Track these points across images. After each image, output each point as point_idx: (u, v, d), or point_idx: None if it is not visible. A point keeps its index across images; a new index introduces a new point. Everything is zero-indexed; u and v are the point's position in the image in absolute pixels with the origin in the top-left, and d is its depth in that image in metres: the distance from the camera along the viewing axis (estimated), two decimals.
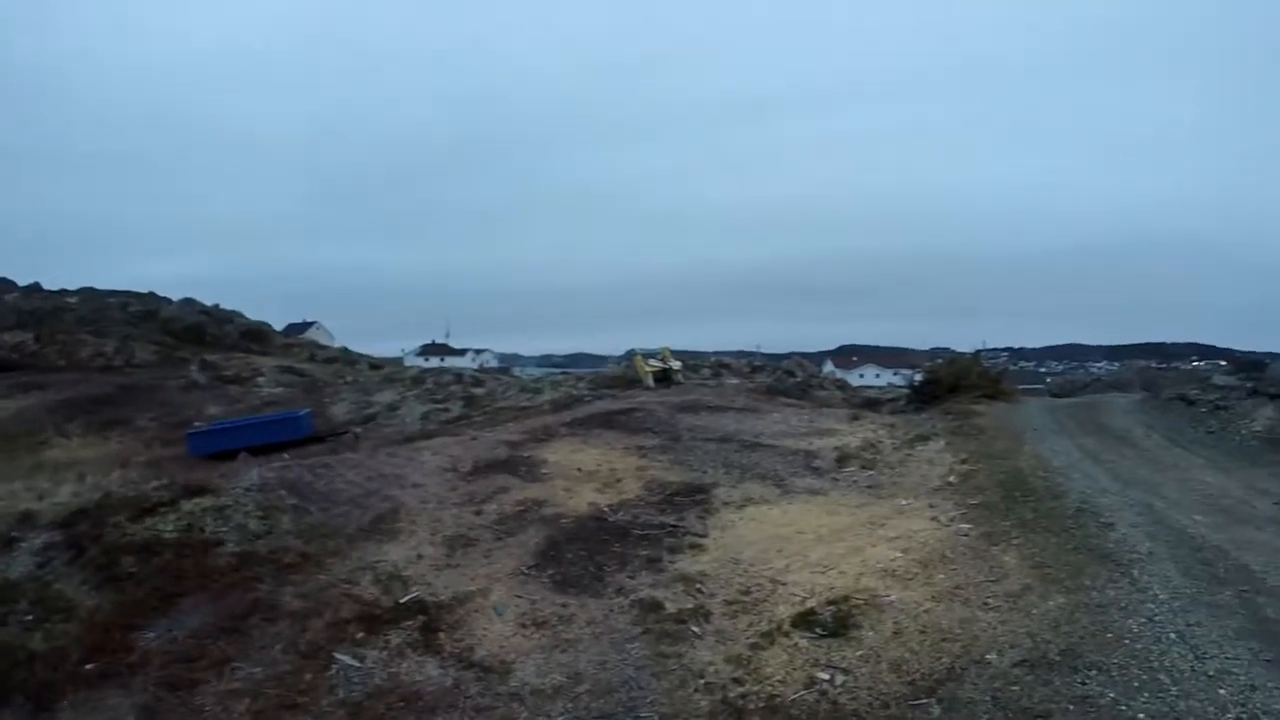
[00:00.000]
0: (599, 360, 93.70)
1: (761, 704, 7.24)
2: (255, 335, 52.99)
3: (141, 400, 31.40)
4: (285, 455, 18.99)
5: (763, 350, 79.24)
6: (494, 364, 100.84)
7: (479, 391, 32.55)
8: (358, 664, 8.39)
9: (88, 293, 58.10)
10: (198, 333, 49.50)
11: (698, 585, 9.88)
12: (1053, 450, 16.36)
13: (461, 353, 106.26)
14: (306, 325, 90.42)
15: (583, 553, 11.07)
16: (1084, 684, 6.62)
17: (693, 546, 11.29)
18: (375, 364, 53.03)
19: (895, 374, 68.87)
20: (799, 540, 11.20)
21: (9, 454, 20.96)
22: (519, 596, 9.82)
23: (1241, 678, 6.55)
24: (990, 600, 8.59)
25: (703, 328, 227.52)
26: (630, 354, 36.15)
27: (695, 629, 8.77)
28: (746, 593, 9.60)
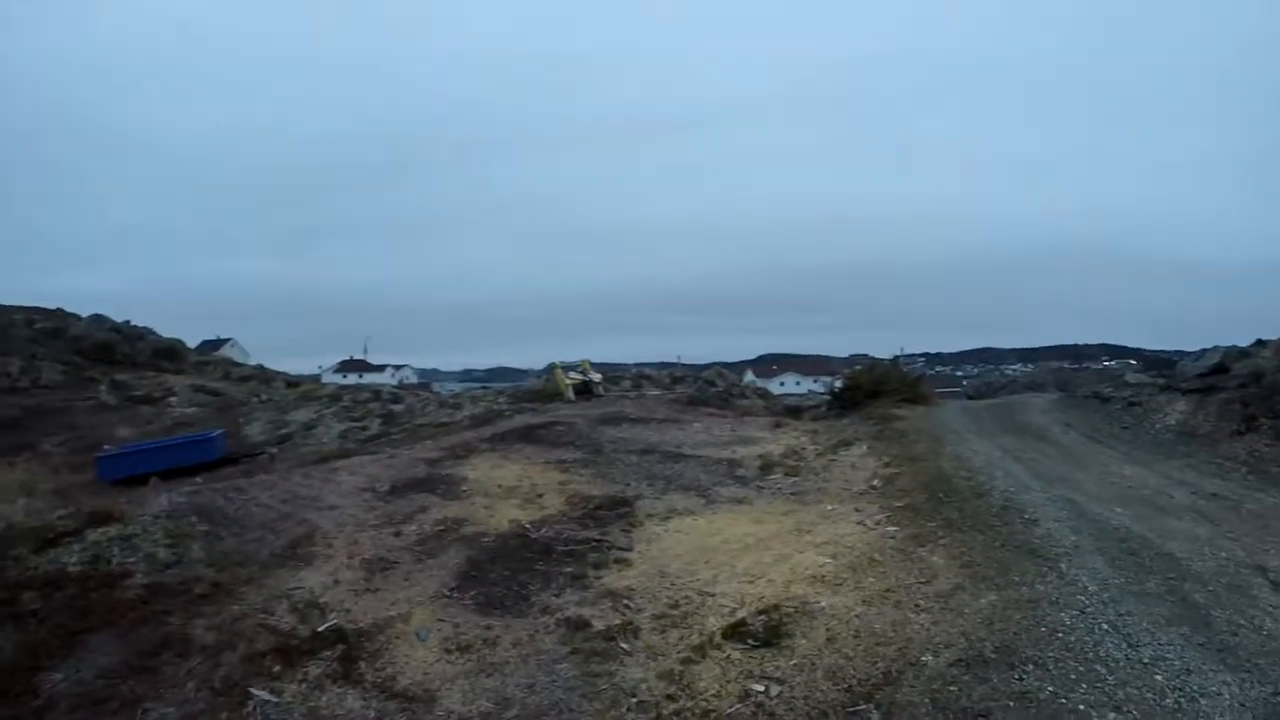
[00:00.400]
0: (520, 374, 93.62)
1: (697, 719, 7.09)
2: (168, 353, 50.83)
3: (48, 423, 30.11)
4: (198, 479, 18.43)
5: (683, 361, 79.85)
6: (414, 380, 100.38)
7: (398, 408, 32.15)
8: (275, 699, 7.94)
9: None
10: (108, 351, 47.18)
11: (625, 601, 9.68)
12: (974, 450, 16.66)
13: (380, 369, 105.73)
14: (221, 342, 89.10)
15: (505, 572, 10.79)
16: (1021, 680, 6.61)
17: (618, 561, 11.10)
18: (292, 381, 51.51)
19: (816, 381, 70.03)
20: (726, 550, 11.10)
21: None
22: (441, 620, 9.48)
23: (1176, 663, 6.65)
24: (922, 601, 8.57)
25: (624, 340, 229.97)
26: (551, 367, 35.96)
27: (625, 646, 8.56)
28: (675, 606, 9.44)
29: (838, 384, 31.17)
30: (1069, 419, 21.41)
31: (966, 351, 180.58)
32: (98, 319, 52.20)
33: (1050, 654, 6.98)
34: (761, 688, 7.37)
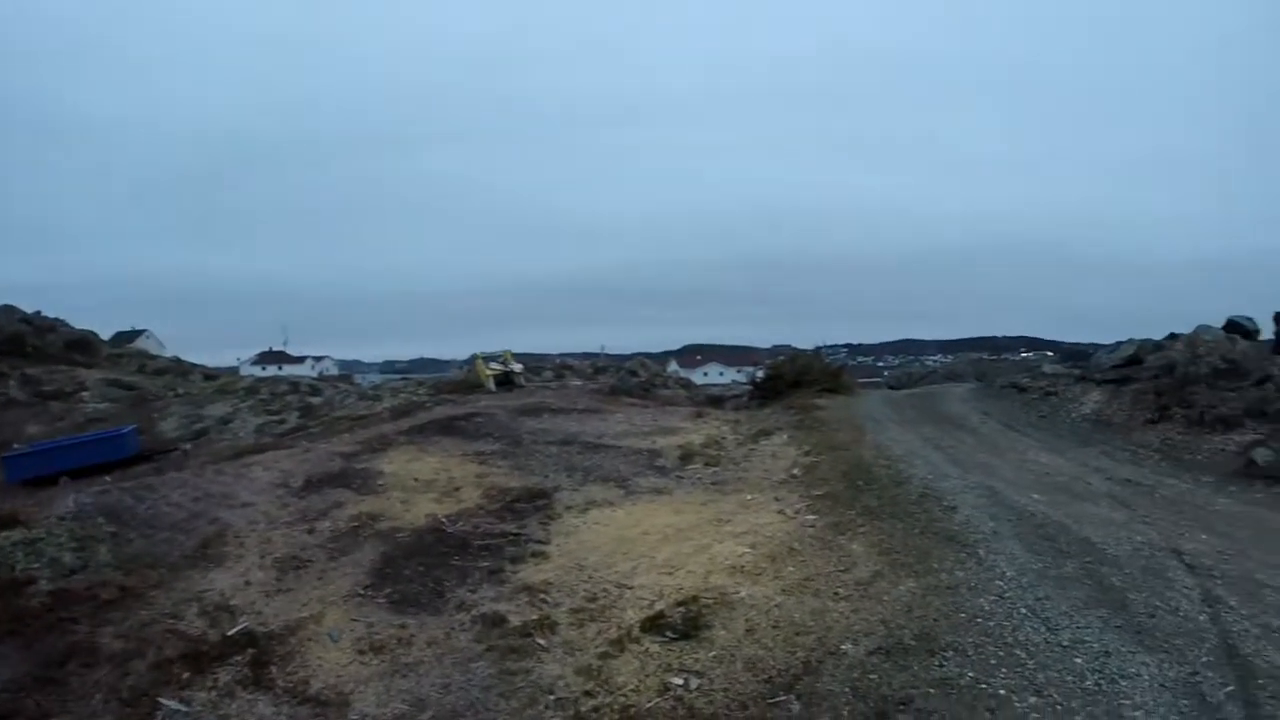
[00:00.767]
0: (443, 365, 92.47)
1: (616, 715, 6.96)
2: (81, 346, 48.44)
3: None
4: (108, 478, 17.76)
5: (607, 351, 79.81)
6: (334, 371, 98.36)
7: (316, 401, 31.58)
8: (184, 708, 7.70)
9: None
10: (18, 344, 44.90)
11: (542, 595, 9.53)
12: (894, 439, 16.91)
13: (300, 360, 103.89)
14: (136, 334, 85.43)
15: (421, 568, 10.55)
16: (942, 666, 6.65)
17: (535, 555, 10.93)
18: (210, 374, 49.74)
19: (739, 371, 70.45)
20: (645, 542, 11.00)
21: None
22: (355, 620, 9.23)
23: (1095, 645, 6.75)
24: (841, 590, 8.59)
25: (549, 331, 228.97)
26: (473, 358, 35.54)
27: (542, 642, 8.42)
28: (593, 599, 9.32)
29: (760, 374, 31.32)
30: (987, 408, 21.92)
31: (889, 342, 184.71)
32: (7, 309, 49.73)
33: (970, 640, 7.03)
34: (680, 681, 7.30)
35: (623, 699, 7.21)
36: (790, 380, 27.74)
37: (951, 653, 6.84)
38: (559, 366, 41.00)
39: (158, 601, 9.77)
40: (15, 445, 23.98)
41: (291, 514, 12.89)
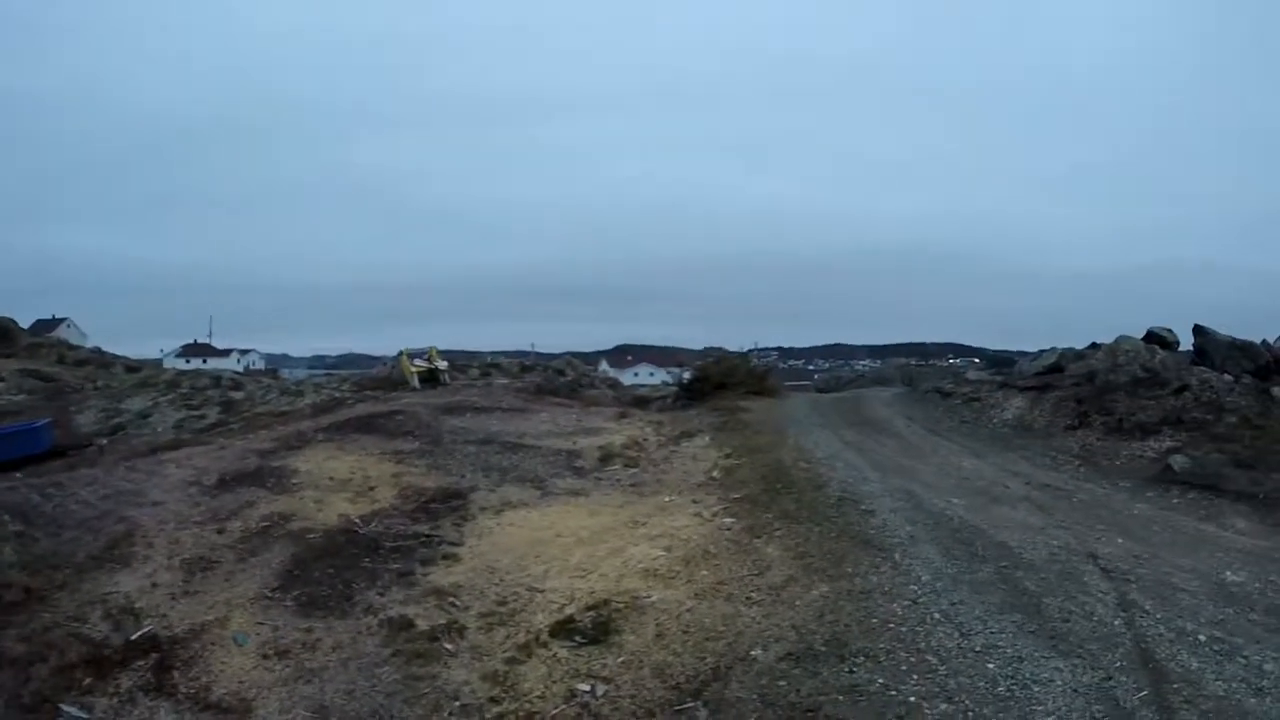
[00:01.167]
0: (372, 361, 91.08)
1: None
2: None
3: None
4: (18, 474, 16.82)
5: (537, 350, 79.65)
6: (261, 365, 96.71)
7: (238, 396, 31.46)
8: (85, 715, 7.46)
9: None
10: None
11: (451, 598, 9.36)
12: (816, 442, 16.96)
13: (226, 353, 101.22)
14: (56, 322, 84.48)
15: (330, 570, 10.25)
16: (852, 672, 6.58)
17: (447, 557, 10.71)
18: (132, 366, 48.71)
19: (668, 372, 70.70)
20: (558, 544, 10.85)
21: None
22: (261, 623, 8.95)
23: (1008, 650, 6.74)
24: (754, 594, 8.52)
25: (479, 328, 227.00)
26: (399, 355, 35.05)
27: (449, 646, 8.26)
28: (503, 603, 9.16)
29: (686, 375, 31.40)
30: (911, 413, 22.22)
31: (819, 346, 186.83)
32: None
33: (881, 645, 6.98)
34: (587, 687, 7.19)
35: (528, 705, 7.10)
36: (716, 382, 27.86)
37: (862, 659, 6.77)
38: (486, 364, 40.77)
39: (62, 603, 9.38)
40: None
41: (202, 513, 12.47)
